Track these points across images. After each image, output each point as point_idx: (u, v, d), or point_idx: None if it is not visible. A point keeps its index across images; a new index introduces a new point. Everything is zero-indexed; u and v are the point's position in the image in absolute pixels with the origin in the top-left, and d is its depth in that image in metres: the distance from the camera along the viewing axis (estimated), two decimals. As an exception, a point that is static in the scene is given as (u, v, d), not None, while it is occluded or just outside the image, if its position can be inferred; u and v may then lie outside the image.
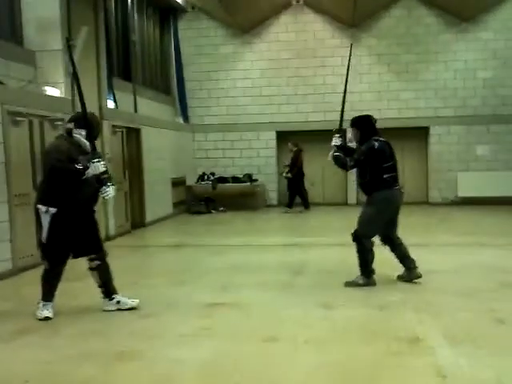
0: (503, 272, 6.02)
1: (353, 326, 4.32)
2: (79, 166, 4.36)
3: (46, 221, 4.45)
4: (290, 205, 12.50)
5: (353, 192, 13.39)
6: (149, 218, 10.79)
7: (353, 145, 5.73)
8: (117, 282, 4.90)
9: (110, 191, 4.56)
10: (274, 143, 13.97)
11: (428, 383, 3.22)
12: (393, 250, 5.64)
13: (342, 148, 5.58)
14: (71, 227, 4.53)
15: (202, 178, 13.74)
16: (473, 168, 13.25)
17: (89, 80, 8.32)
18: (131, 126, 10.28)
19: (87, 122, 4.54)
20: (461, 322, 4.35)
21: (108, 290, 4.82)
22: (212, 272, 6.43)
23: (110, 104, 9.56)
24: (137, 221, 10.37)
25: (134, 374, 3.45)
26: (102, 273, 4.77)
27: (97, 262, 4.74)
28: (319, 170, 13.49)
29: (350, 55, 6.16)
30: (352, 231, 5.43)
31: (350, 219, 5.65)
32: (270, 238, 9.22)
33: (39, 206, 4.48)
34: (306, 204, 12.65)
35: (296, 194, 12.57)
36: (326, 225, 10.65)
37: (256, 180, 13.42)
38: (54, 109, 7.38)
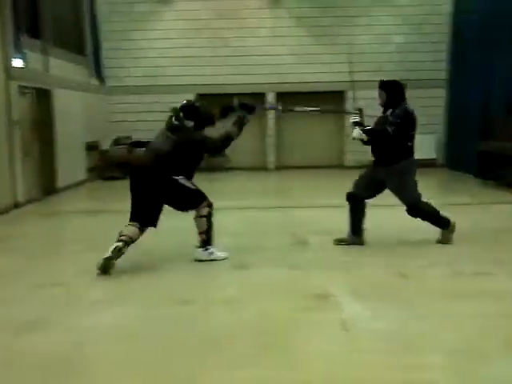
0: (414, 231, 6.20)
1: (265, 286, 4.42)
2: None
3: (188, 183, 5.08)
4: None
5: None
6: (61, 183, 10.34)
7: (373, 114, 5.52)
8: (33, 251, 4.69)
9: None
10: (194, 106, 13.66)
11: (332, 336, 3.37)
12: (353, 210, 5.46)
13: (361, 125, 5.33)
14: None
15: (116, 142, 13.30)
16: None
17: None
18: (42, 86, 9.74)
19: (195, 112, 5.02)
20: (368, 277, 4.57)
21: (208, 239, 5.10)
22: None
23: (18, 63, 8.95)
24: (48, 186, 9.92)
25: (43, 343, 3.38)
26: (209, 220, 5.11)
27: (208, 210, 5.11)
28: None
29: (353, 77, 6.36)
30: (406, 211, 5.32)
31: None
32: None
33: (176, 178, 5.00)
34: None
35: None
36: (244, 189, 10.71)
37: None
38: None
